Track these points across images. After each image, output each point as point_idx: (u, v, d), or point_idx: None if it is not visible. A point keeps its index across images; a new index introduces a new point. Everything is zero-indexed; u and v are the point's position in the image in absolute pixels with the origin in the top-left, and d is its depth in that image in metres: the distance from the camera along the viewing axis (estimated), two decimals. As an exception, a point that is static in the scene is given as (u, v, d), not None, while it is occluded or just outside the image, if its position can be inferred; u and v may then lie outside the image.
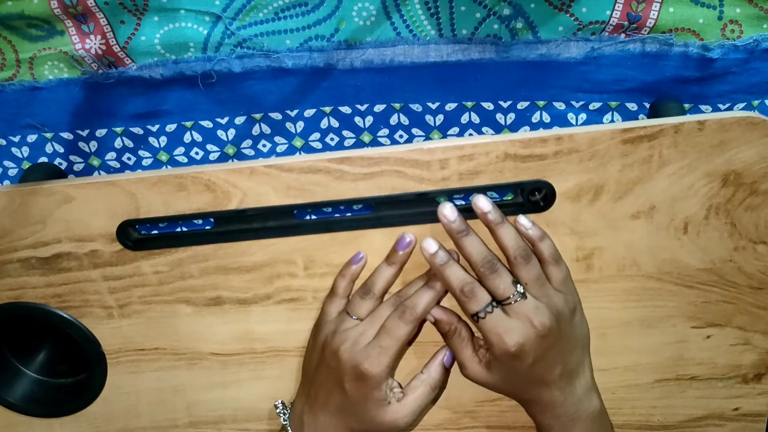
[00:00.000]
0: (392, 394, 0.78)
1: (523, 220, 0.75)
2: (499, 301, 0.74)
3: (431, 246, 0.74)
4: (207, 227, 0.80)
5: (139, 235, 0.79)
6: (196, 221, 0.79)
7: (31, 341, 0.93)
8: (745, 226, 0.77)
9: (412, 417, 0.79)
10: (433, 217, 0.76)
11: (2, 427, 0.92)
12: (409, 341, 0.80)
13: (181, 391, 0.88)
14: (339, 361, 0.77)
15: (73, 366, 0.91)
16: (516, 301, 0.73)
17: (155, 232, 0.81)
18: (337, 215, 0.80)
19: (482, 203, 0.73)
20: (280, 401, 0.86)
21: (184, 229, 0.85)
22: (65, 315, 0.83)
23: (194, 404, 0.89)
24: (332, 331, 0.79)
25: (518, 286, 0.74)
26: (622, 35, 0.79)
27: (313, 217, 0.81)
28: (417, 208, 0.77)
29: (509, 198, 0.78)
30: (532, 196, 0.76)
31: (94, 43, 0.80)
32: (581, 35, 0.79)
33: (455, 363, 0.80)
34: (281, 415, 0.85)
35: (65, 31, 0.80)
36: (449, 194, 0.75)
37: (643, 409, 0.87)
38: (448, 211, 0.74)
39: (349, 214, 0.80)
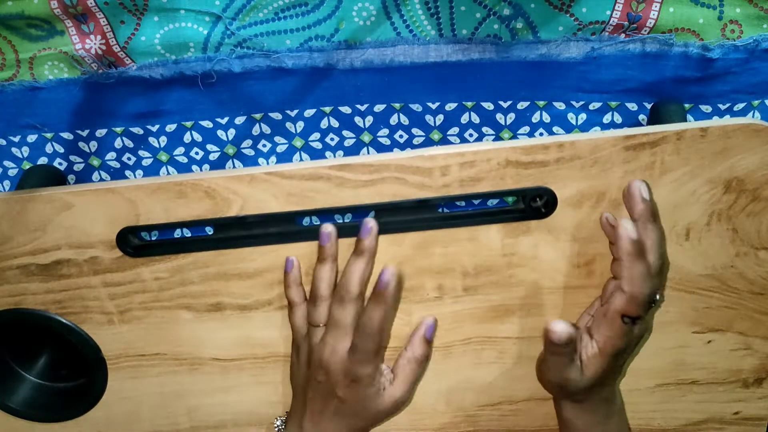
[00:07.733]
0: (384, 379, 0.78)
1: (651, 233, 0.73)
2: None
3: (632, 232, 0.69)
4: (208, 233, 0.80)
5: (139, 242, 0.79)
6: (196, 227, 0.79)
7: (32, 346, 0.93)
8: (747, 232, 0.77)
9: (407, 395, 0.79)
10: (433, 224, 0.76)
11: None
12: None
13: (183, 396, 0.88)
14: (327, 374, 0.77)
15: (73, 370, 0.91)
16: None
17: (155, 238, 0.81)
18: (338, 221, 0.80)
19: (643, 192, 0.72)
20: (279, 419, 0.86)
21: (185, 234, 0.85)
22: (65, 321, 0.83)
23: (195, 409, 0.89)
24: (308, 346, 0.79)
25: (657, 296, 0.74)
26: (622, 35, 0.79)
27: (315, 223, 0.81)
28: (418, 214, 0.76)
29: (511, 204, 0.77)
30: (534, 203, 0.75)
31: (94, 43, 0.80)
32: (581, 35, 0.79)
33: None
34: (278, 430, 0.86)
35: (65, 31, 0.80)
36: (450, 201, 0.75)
37: (644, 413, 0.88)
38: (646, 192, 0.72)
39: (350, 221, 0.80)
